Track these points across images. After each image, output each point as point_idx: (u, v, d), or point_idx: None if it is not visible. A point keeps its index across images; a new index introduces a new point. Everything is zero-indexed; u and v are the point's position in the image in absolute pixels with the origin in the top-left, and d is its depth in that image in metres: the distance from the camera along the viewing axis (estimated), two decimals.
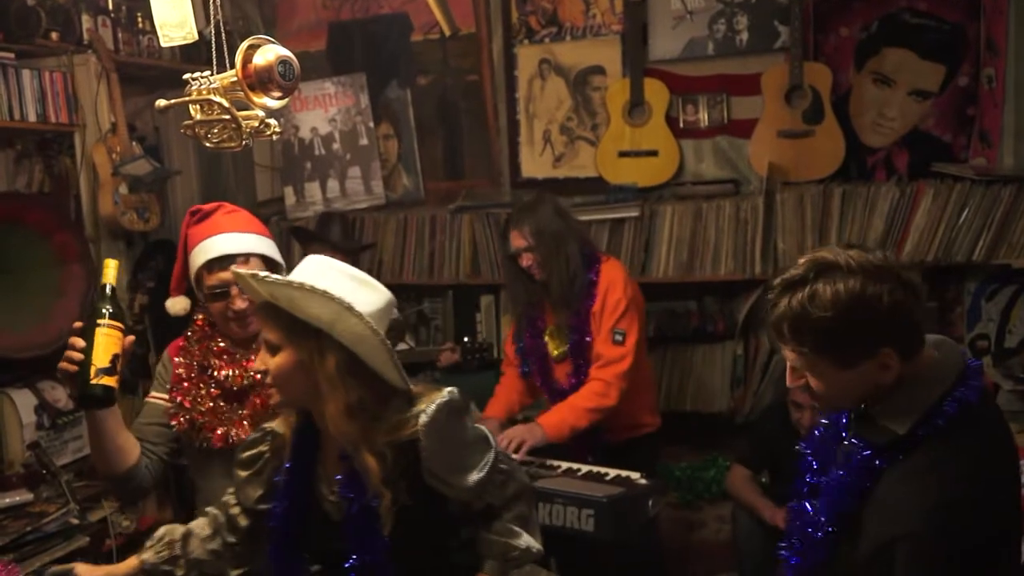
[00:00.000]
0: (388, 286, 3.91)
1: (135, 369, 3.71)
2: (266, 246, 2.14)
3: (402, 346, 4.01)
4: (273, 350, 1.67)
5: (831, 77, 3.51)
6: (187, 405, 2.11)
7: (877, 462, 1.47)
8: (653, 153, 3.76)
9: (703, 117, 3.75)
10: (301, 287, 1.60)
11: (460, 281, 4.00)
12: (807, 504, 1.55)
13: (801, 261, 1.51)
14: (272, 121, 1.68)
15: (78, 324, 1.82)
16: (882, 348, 1.44)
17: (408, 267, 4.05)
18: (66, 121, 3.43)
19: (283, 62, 1.57)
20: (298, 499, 1.76)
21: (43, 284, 3.37)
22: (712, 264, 3.59)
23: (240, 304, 2.06)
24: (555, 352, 3.14)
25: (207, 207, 2.15)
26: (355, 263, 3.74)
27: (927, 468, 1.43)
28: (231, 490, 1.90)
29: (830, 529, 1.48)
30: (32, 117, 3.28)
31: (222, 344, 2.16)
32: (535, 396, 3.30)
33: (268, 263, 2.11)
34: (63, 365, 1.79)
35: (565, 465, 2.83)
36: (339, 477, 1.69)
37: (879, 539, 1.43)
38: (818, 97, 3.52)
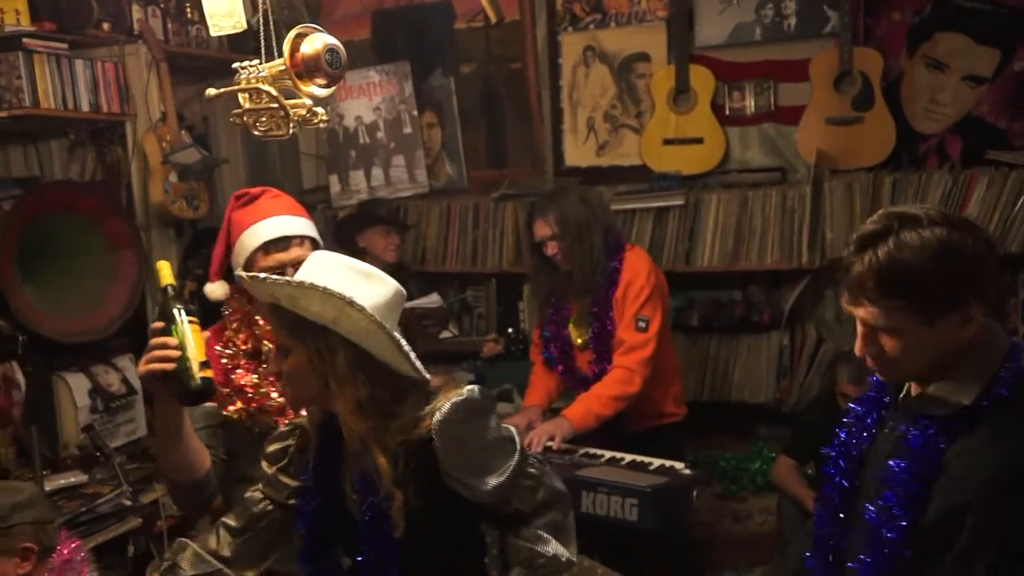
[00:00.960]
0: (431, 274, 3.94)
1: None
2: (314, 231, 2.13)
3: (445, 334, 4.04)
4: (284, 352, 1.66)
5: (882, 62, 3.44)
6: (248, 391, 2.08)
7: (941, 442, 1.42)
8: (698, 141, 3.73)
9: (750, 104, 3.70)
10: (301, 285, 1.58)
11: (503, 269, 4.01)
12: (869, 507, 1.47)
13: (875, 217, 1.47)
14: (319, 109, 1.69)
15: (158, 324, 1.79)
16: (968, 298, 1.41)
17: (451, 255, 4.07)
18: (118, 111, 3.49)
19: (330, 50, 1.58)
20: (325, 498, 1.74)
21: (96, 270, 3.43)
22: (758, 253, 3.56)
23: None
24: (578, 340, 3.13)
25: (253, 191, 2.15)
26: (402, 243, 3.81)
27: (993, 438, 1.40)
28: (257, 486, 1.87)
29: (903, 523, 1.41)
30: (85, 107, 3.34)
31: (267, 329, 2.11)
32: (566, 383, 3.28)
33: (316, 247, 2.09)
34: (158, 366, 1.75)
35: (608, 454, 2.83)
36: (357, 476, 1.67)
37: (943, 509, 1.40)
38: (868, 83, 3.45)
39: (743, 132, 3.74)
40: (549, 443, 2.83)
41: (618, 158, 3.91)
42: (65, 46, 3.29)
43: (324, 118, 1.70)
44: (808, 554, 1.67)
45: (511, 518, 1.72)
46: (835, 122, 3.50)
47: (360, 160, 4.33)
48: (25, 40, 3.13)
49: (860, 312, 1.46)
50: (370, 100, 4.28)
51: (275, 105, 1.63)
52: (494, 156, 4.21)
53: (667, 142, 3.76)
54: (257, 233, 2.04)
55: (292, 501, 1.80)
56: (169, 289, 1.82)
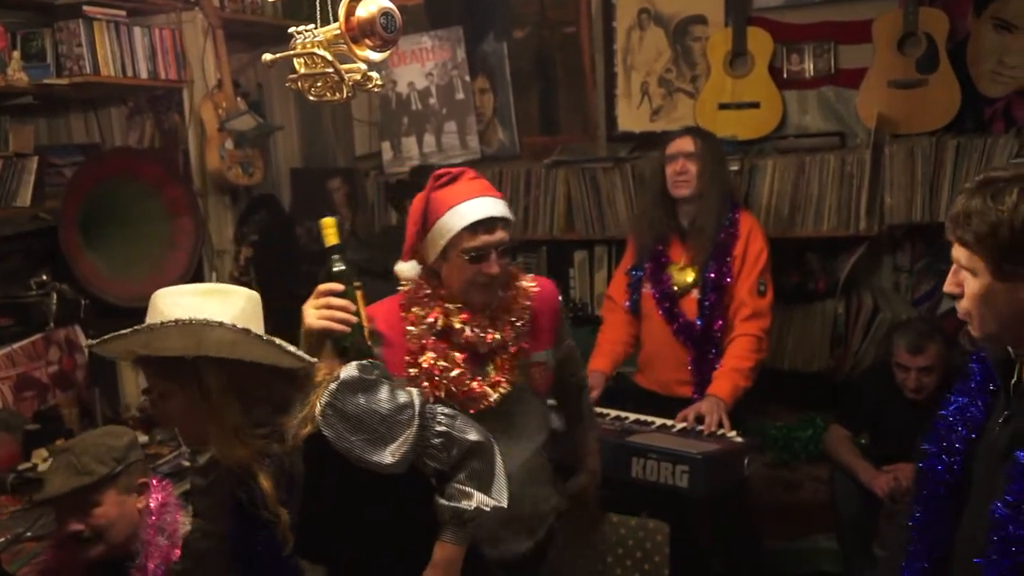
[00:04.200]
0: None
1: None
2: (511, 214, 2.08)
3: None
4: (164, 398, 1.66)
5: (948, 23, 3.33)
6: (437, 373, 2.02)
7: None
8: (755, 105, 3.66)
9: (808, 67, 3.62)
10: (151, 329, 1.55)
11: (554, 236, 4.00)
12: (998, 504, 1.40)
13: (1007, 164, 1.52)
14: (374, 74, 1.69)
15: (336, 286, 1.81)
16: None
17: None
18: (175, 78, 3.53)
19: (385, 14, 1.57)
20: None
21: (155, 236, 3.50)
22: (815, 220, 3.50)
23: (494, 269, 2.00)
24: (686, 281, 3.00)
25: (453, 171, 2.07)
26: None
27: None
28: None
29: None
30: (143, 74, 3.39)
31: (459, 306, 2.05)
32: (636, 343, 3.20)
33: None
34: (338, 327, 1.79)
35: (659, 421, 2.82)
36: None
37: None
38: (933, 44, 3.35)
39: (801, 96, 3.66)
40: (700, 426, 2.76)
41: (672, 123, 3.84)
42: (124, 13, 3.34)
43: (379, 82, 1.70)
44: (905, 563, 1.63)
45: (436, 478, 1.74)
46: (898, 85, 3.40)
47: (412, 126, 4.34)
48: (85, 8, 3.18)
49: (953, 243, 1.50)
50: (422, 66, 4.27)
51: (330, 70, 1.63)
52: (546, 122, 4.18)
53: (722, 107, 3.70)
54: (462, 214, 1.99)
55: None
56: (341, 249, 1.85)
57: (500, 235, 2.00)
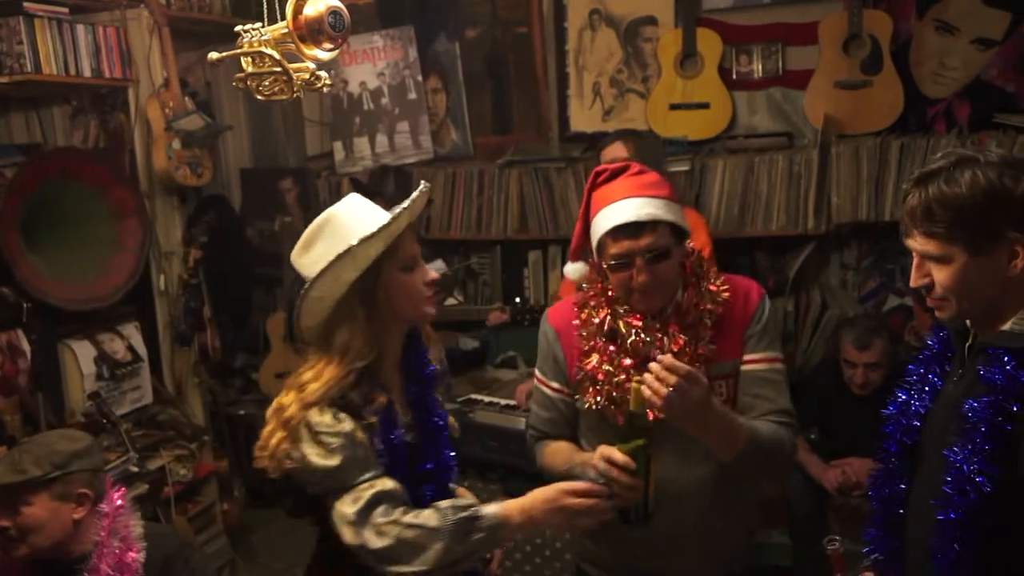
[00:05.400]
0: (436, 241, 3.92)
1: (191, 323, 3.79)
2: (675, 212, 1.90)
3: (450, 301, 4.04)
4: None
5: (891, 25, 3.40)
6: (601, 378, 1.92)
7: (1022, 375, 1.42)
8: (705, 105, 3.69)
9: (757, 68, 3.67)
10: (307, 294, 1.65)
11: (508, 236, 4.00)
12: (955, 448, 1.45)
13: (938, 155, 1.54)
14: (323, 73, 1.68)
15: (627, 462, 1.70)
16: (1014, 233, 1.45)
17: (456, 222, 4.06)
18: (120, 76, 3.47)
19: (333, 13, 1.56)
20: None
21: (101, 238, 3.44)
22: (764, 219, 3.54)
23: (641, 277, 1.85)
24: None
25: (613, 167, 1.95)
26: None
27: None
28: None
29: (992, 470, 1.40)
30: (87, 72, 3.32)
31: (626, 308, 1.94)
32: None
33: (675, 232, 1.89)
34: (619, 503, 1.71)
35: None
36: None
37: None
38: (877, 46, 3.41)
39: (750, 96, 3.71)
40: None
41: (624, 123, 3.87)
42: (66, 10, 3.27)
43: (328, 81, 1.69)
44: (868, 525, 1.68)
45: None
46: (843, 86, 3.46)
47: (364, 126, 4.31)
48: (26, 4, 3.11)
49: (911, 242, 1.52)
50: (374, 65, 4.25)
51: (278, 69, 1.61)
52: (499, 122, 4.18)
53: (673, 107, 3.73)
54: (607, 217, 1.87)
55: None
56: (640, 421, 1.72)
57: (647, 240, 1.83)
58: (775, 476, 1.98)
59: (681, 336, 1.88)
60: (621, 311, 1.92)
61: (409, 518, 1.63)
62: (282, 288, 4.39)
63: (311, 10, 1.56)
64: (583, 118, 3.99)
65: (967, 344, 1.58)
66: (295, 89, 1.64)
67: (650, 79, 3.83)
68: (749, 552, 2.05)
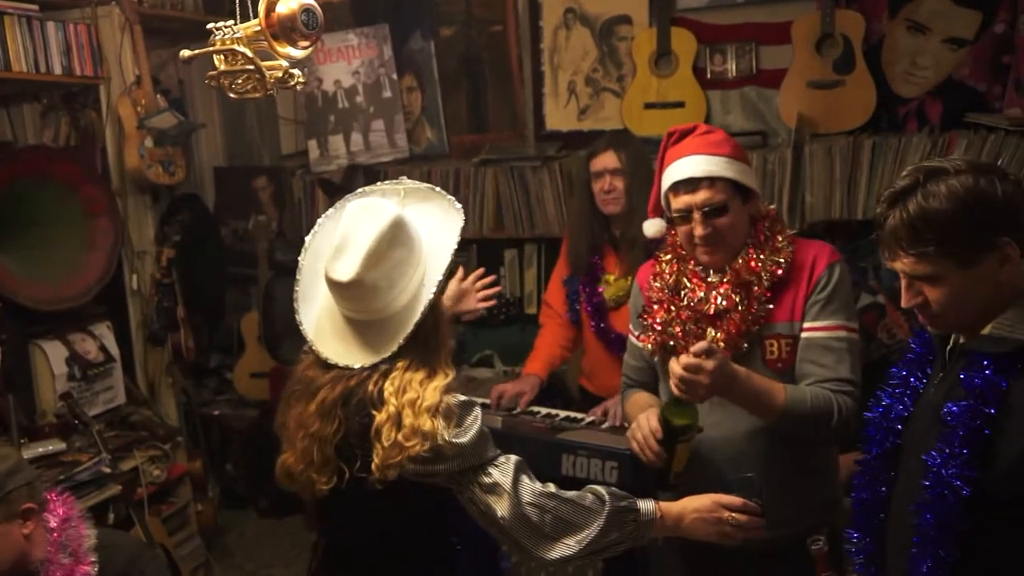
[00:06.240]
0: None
1: (165, 323, 3.76)
2: (736, 170, 2.00)
3: None
4: None
5: (863, 25, 3.42)
6: (657, 327, 2.08)
7: (1001, 379, 1.42)
8: (679, 105, 3.71)
9: (731, 67, 3.68)
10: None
11: (484, 235, 4.00)
12: (932, 453, 1.46)
13: (904, 173, 1.52)
14: (296, 71, 1.66)
15: (655, 425, 1.96)
16: (1002, 238, 1.44)
17: None
18: (91, 74, 3.43)
19: (306, 11, 1.55)
20: None
21: (72, 238, 3.40)
22: None
23: (700, 230, 1.98)
24: (619, 294, 2.99)
25: (684, 127, 2.08)
26: None
27: None
28: None
29: (967, 467, 1.41)
30: (57, 70, 3.28)
31: (694, 267, 2.08)
32: (576, 347, 3.22)
33: (738, 188, 2.00)
34: (646, 458, 1.98)
35: (589, 418, 2.84)
36: None
37: (1018, 452, 1.40)
38: (849, 46, 3.44)
39: (724, 95, 3.73)
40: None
41: (599, 122, 3.88)
42: (36, 7, 3.23)
43: (301, 79, 1.68)
44: (850, 527, 1.70)
45: None
46: (816, 85, 3.49)
47: (339, 125, 4.29)
48: None
49: (899, 265, 1.51)
50: (349, 63, 4.23)
51: (251, 67, 1.60)
52: (475, 120, 4.18)
53: (648, 106, 3.74)
54: (671, 173, 2.02)
55: None
56: (681, 404, 1.90)
57: (704, 195, 1.96)
58: (826, 440, 2.06)
59: (740, 293, 1.99)
60: (685, 267, 2.07)
61: (563, 493, 1.68)
62: (256, 288, 4.36)
63: (284, 8, 1.55)
64: (558, 117, 3.99)
65: (948, 348, 1.58)
66: (268, 87, 1.63)
67: (625, 78, 3.84)
68: (813, 515, 2.03)
